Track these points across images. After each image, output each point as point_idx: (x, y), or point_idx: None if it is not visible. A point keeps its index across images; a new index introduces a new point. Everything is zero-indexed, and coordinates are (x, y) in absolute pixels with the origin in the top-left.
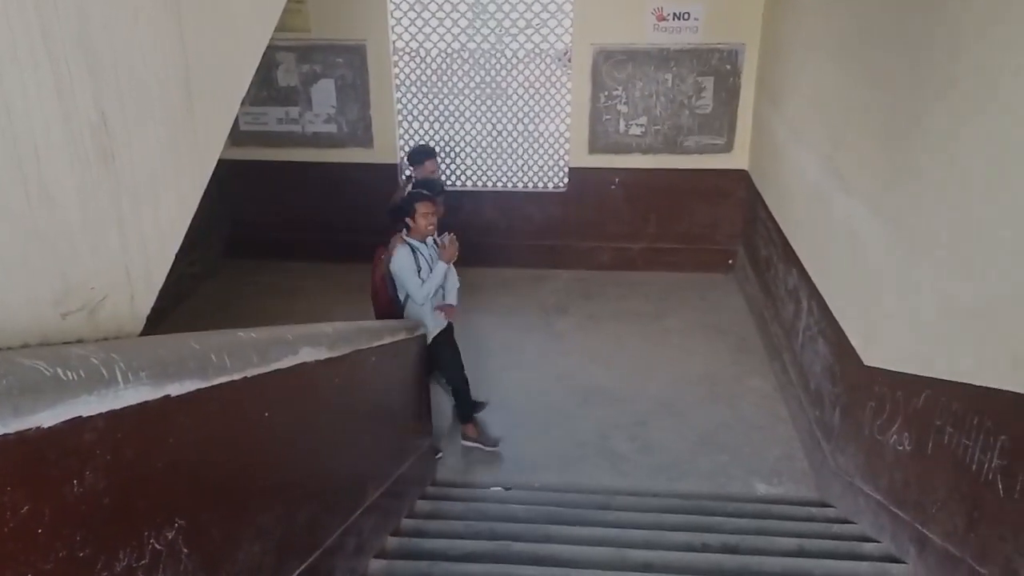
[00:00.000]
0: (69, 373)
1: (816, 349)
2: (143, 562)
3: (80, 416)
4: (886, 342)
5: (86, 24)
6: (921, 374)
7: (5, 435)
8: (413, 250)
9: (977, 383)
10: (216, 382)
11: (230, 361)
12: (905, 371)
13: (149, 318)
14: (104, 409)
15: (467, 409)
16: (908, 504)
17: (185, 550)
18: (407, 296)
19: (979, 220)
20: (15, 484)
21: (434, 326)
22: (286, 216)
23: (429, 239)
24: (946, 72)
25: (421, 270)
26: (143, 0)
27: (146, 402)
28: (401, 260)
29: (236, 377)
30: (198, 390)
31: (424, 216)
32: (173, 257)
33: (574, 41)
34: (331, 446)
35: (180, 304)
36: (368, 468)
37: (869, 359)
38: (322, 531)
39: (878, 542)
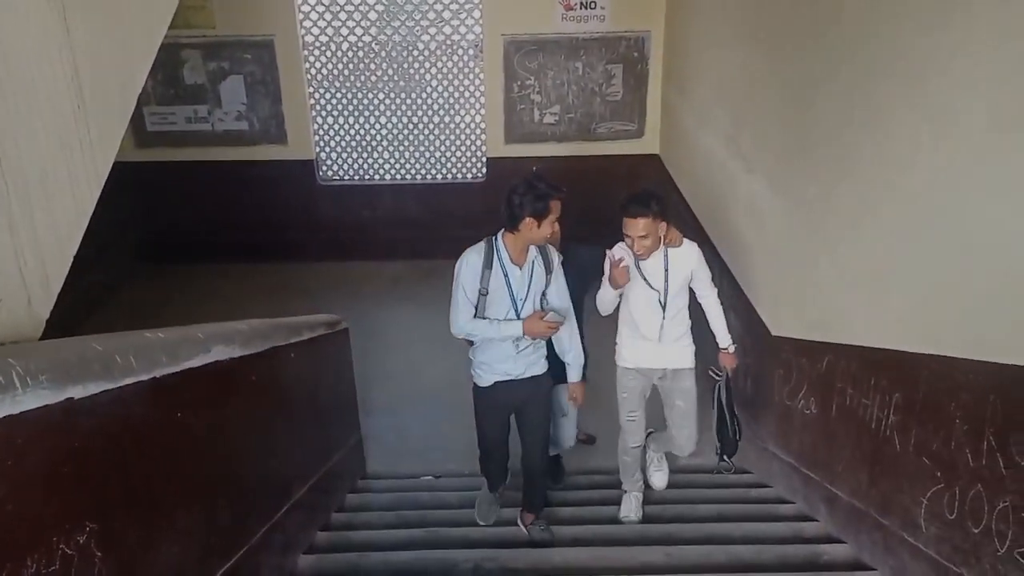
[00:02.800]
0: None
1: (728, 323)
2: (53, 568)
3: None
4: (790, 312)
5: None
6: (822, 340)
7: None
8: (501, 263)
9: (871, 345)
10: (122, 383)
11: (136, 362)
12: (808, 338)
13: (60, 328)
14: (3, 414)
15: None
16: (817, 465)
17: (99, 553)
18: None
19: (867, 194)
20: None
21: (497, 371)
22: (200, 217)
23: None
24: (834, 54)
25: (488, 295)
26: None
27: (47, 406)
28: (464, 265)
29: (144, 377)
30: (103, 392)
31: (550, 222)
32: (71, 259)
33: (485, 32)
34: (251, 444)
35: (93, 313)
36: (293, 464)
37: (776, 329)
38: (246, 529)
39: (792, 503)
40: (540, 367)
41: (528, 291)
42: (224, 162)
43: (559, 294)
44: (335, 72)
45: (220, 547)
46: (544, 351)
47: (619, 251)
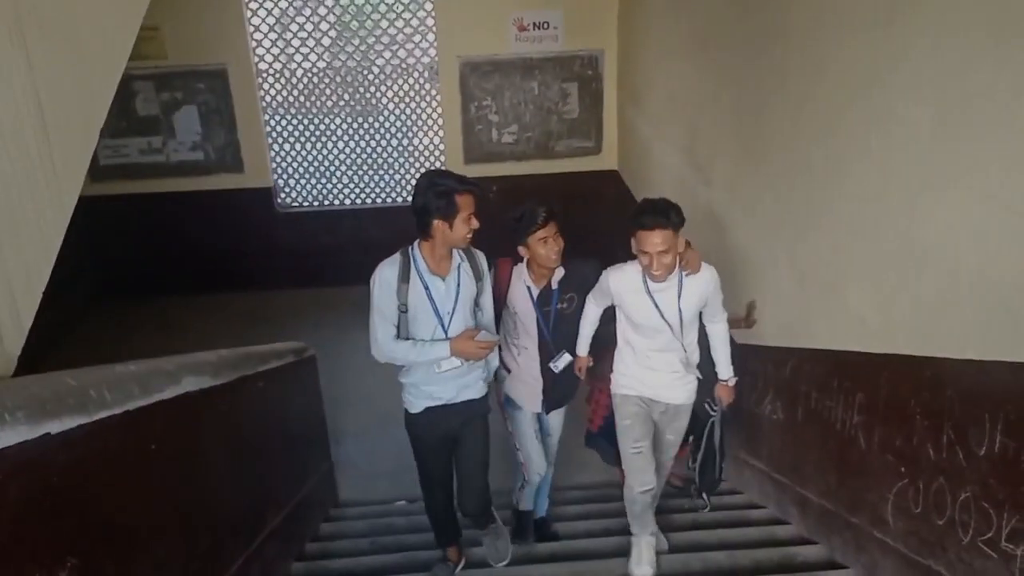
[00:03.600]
0: None
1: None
2: None
3: None
4: (755, 319)
5: None
6: (786, 345)
7: None
8: (419, 275)
9: (833, 348)
10: (97, 417)
11: (110, 395)
12: (772, 344)
13: (20, 367)
14: None
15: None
16: (787, 469)
17: None
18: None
19: (820, 200)
20: None
21: (425, 394)
22: (157, 250)
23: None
24: (783, 66)
25: (408, 312)
26: None
27: (24, 442)
28: (377, 281)
29: (117, 411)
30: (79, 426)
31: (464, 219)
32: (40, 294)
33: (439, 54)
34: (224, 474)
35: (51, 351)
36: (266, 494)
37: (740, 337)
38: (223, 560)
39: (764, 508)
40: (476, 390)
41: (455, 304)
42: (180, 193)
43: (485, 305)
44: (290, 99)
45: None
46: (483, 371)
47: (619, 277)
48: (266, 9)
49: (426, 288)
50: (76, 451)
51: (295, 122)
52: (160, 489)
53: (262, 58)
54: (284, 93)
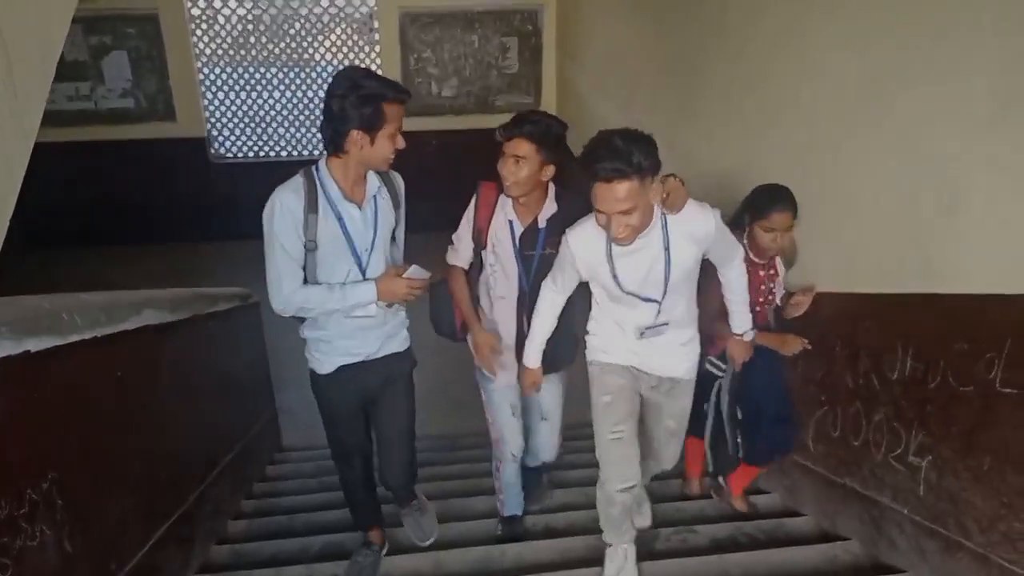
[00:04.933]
0: None
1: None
2: (23, 511)
3: None
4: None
5: None
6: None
7: None
8: (330, 203)
9: None
10: (70, 340)
11: (80, 320)
12: None
13: None
14: None
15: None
16: None
17: (60, 501)
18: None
19: (754, 150)
20: None
21: (340, 350)
22: (85, 199)
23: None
24: (719, 19)
25: (317, 251)
26: None
27: (8, 356)
28: (276, 211)
29: (87, 336)
30: (56, 347)
31: (389, 135)
32: (7, 223)
33: (379, 4)
34: (181, 410)
35: None
36: (218, 432)
37: None
38: (180, 492)
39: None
40: (400, 341)
41: (374, 237)
42: (109, 141)
43: (400, 236)
44: (225, 47)
45: (161, 506)
46: (405, 318)
47: (581, 240)
48: None
49: (339, 219)
50: (53, 371)
51: (229, 71)
52: (126, 417)
53: (195, 3)
54: (218, 41)
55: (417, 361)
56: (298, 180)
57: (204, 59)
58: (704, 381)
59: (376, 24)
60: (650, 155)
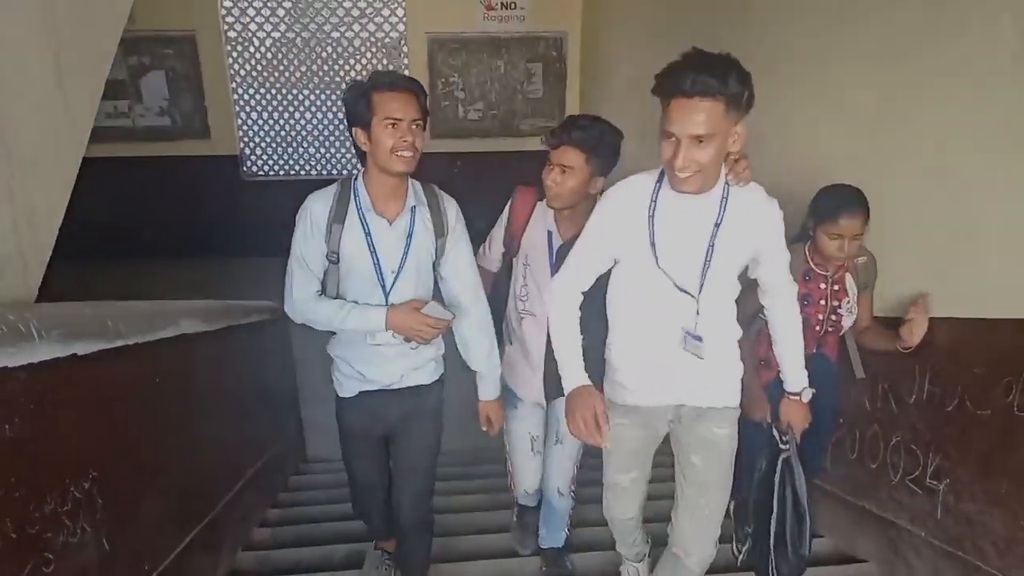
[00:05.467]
0: None
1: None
2: (66, 508)
3: (6, 367)
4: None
5: None
6: None
7: None
8: (360, 214)
9: None
10: (114, 345)
11: (124, 327)
12: None
13: None
14: (24, 361)
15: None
16: None
17: (100, 500)
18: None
19: (777, 184)
20: None
21: (356, 375)
22: (121, 214)
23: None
24: (741, 52)
25: (340, 263)
26: None
27: (58, 359)
28: (303, 217)
29: (130, 342)
30: (100, 351)
31: (393, 132)
32: (58, 229)
33: (408, 30)
34: (212, 418)
35: None
36: (247, 442)
37: None
38: (211, 498)
39: None
40: (427, 373)
41: (403, 259)
42: (146, 158)
43: (459, 271)
44: (259, 68)
45: (193, 509)
46: (437, 348)
47: (626, 188)
48: None
49: (367, 232)
50: (97, 374)
51: (263, 91)
52: (163, 422)
53: (231, 26)
54: (252, 62)
55: (444, 399)
56: (333, 187)
57: (238, 80)
58: (751, 439)
59: (405, 49)
60: (746, 85)
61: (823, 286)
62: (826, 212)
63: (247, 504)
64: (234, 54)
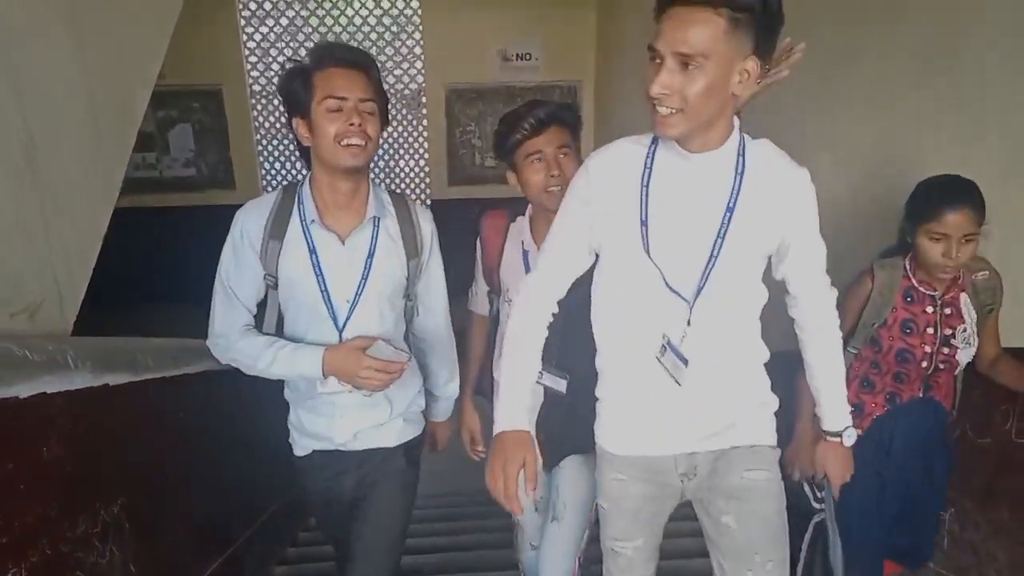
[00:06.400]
0: (34, 355)
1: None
2: (96, 530)
3: (45, 392)
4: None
5: (8, 53)
6: None
7: None
8: (304, 226)
9: None
10: (142, 377)
11: (152, 361)
12: None
13: None
14: (62, 388)
15: None
16: None
17: (127, 525)
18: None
19: None
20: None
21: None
22: (148, 262)
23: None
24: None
25: (280, 287)
26: (49, 25)
27: (91, 387)
28: (232, 230)
29: (157, 376)
30: (130, 383)
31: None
32: (92, 265)
33: (427, 81)
34: (235, 453)
35: None
36: (268, 480)
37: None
38: (232, 533)
39: None
40: (394, 432)
41: (362, 284)
42: (172, 207)
43: (431, 299)
44: (282, 120)
45: (213, 542)
46: (407, 402)
47: (612, 154)
48: (261, 33)
49: (311, 249)
50: (126, 404)
51: (285, 143)
52: (186, 455)
53: (256, 80)
54: (276, 115)
55: (418, 459)
56: (273, 195)
57: (262, 132)
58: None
59: (424, 99)
60: (763, 2)
61: (930, 310)
62: (926, 206)
63: (267, 541)
64: (258, 107)
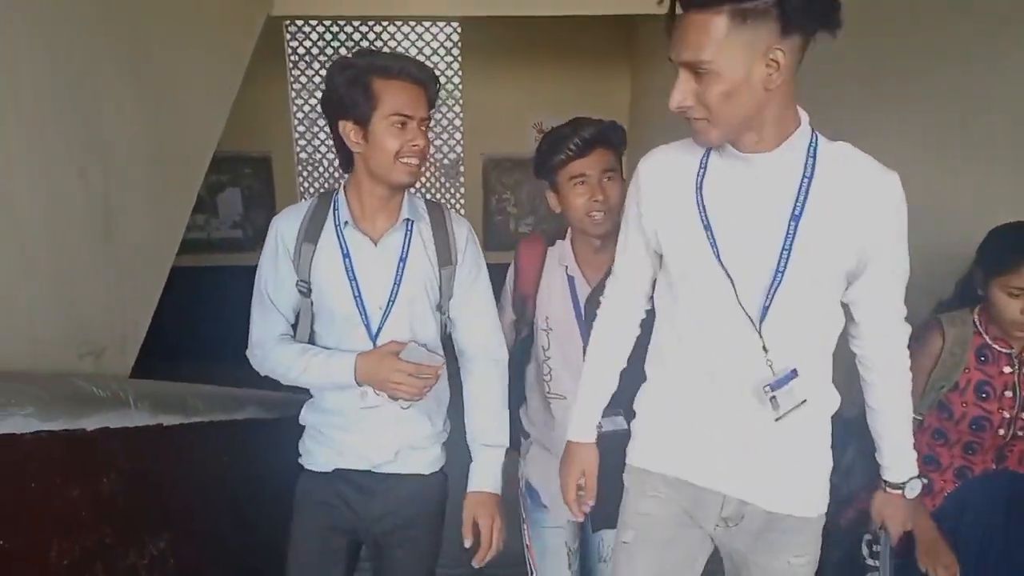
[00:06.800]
0: (100, 392)
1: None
2: (144, 562)
3: (108, 427)
4: None
5: (97, 126)
6: None
7: (65, 431)
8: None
9: None
10: (192, 420)
11: (201, 405)
12: None
13: None
14: (122, 424)
15: None
16: None
17: (171, 560)
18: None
19: None
20: (67, 472)
21: (329, 443)
22: (195, 319)
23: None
24: None
25: (313, 294)
26: (123, 89)
27: (147, 426)
28: (269, 236)
29: (205, 419)
30: (180, 424)
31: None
32: (151, 314)
33: (465, 151)
34: (270, 500)
35: None
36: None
37: None
38: None
39: None
40: (423, 459)
41: (396, 288)
42: (219, 267)
43: (473, 315)
44: (327, 186)
45: None
46: (436, 425)
47: (662, 155)
48: (310, 104)
49: (344, 253)
50: (176, 444)
51: None
52: (228, 498)
53: (303, 148)
54: (320, 181)
55: (447, 495)
56: (309, 201)
57: (307, 197)
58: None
59: (462, 168)
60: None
61: (1008, 370)
62: (1002, 257)
63: None
64: (304, 173)
